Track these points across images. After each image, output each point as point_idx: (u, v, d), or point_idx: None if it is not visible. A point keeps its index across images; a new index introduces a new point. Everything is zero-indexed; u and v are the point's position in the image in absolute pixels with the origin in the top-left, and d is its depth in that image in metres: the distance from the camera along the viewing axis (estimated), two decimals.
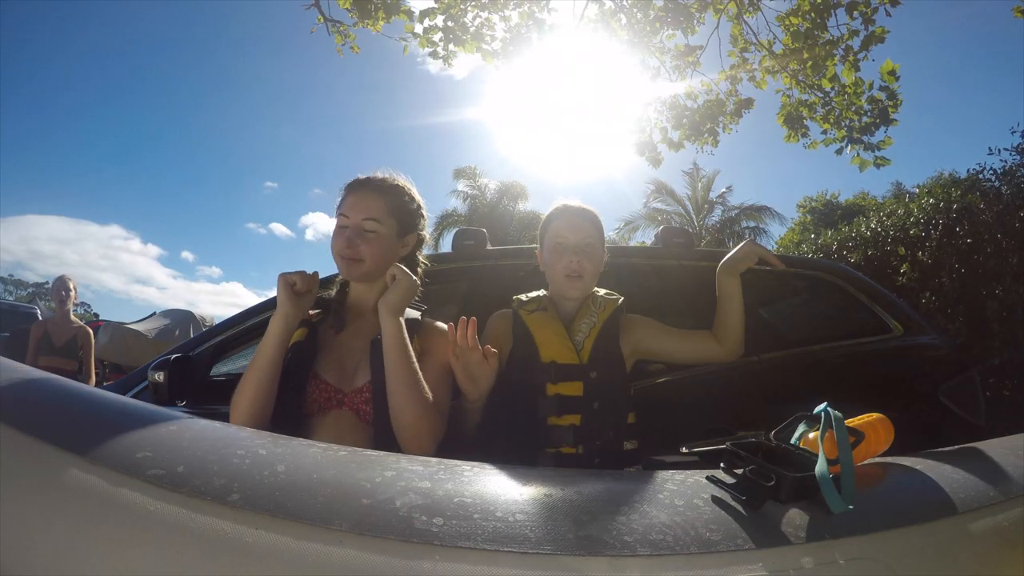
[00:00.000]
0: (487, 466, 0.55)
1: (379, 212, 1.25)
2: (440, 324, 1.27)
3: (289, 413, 1.13)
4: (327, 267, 1.57)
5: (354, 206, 1.25)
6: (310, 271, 1.25)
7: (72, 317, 3.96)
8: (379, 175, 1.30)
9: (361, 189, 1.27)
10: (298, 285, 1.16)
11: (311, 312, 1.28)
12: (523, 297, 1.38)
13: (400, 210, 1.28)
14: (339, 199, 1.31)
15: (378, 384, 1.14)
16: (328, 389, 1.16)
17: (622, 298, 1.38)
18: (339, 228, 1.27)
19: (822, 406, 0.59)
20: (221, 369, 2.24)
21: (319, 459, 0.52)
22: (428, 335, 1.25)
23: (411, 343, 1.17)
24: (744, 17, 4.55)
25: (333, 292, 1.32)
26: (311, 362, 1.20)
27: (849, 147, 4.49)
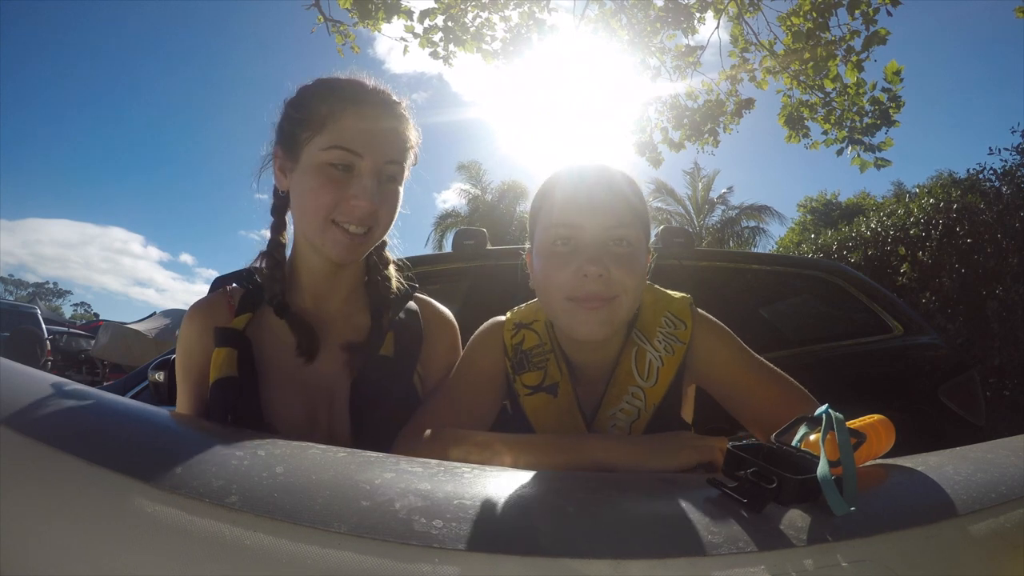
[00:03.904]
0: (488, 468, 0.55)
1: (402, 153, 0.83)
2: (442, 308, 0.96)
3: None
4: None
5: (370, 141, 0.79)
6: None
7: None
8: (387, 91, 0.85)
9: (373, 113, 0.80)
10: None
11: (232, 315, 0.85)
12: (511, 336, 0.86)
13: (411, 145, 0.87)
14: (295, 118, 0.81)
15: (367, 434, 0.80)
16: None
17: (689, 322, 0.83)
18: (330, 170, 0.78)
19: (823, 407, 0.59)
20: None
21: (318, 460, 0.52)
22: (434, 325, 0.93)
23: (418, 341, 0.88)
24: (745, 17, 4.55)
25: (262, 279, 0.87)
26: (256, 407, 0.78)
27: (850, 148, 4.49)
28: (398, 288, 0.93)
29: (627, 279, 0.75)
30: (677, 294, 0.89)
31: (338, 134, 0.78)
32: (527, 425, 0.82)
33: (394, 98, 0.84)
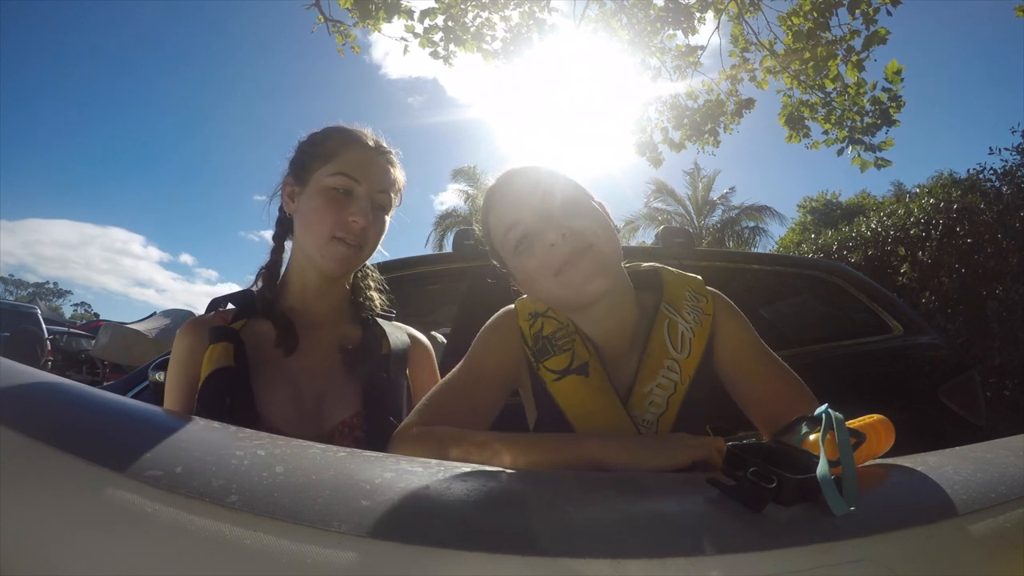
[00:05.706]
0: (488, 469, 0.55)
1: (392, 186, 0.98)
2: (422, 337, 1.08)
3: None
4: None
5: (367, 171, 0.94)
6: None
7: None
8: (381, 140, 1.01)
9: (371, 152, 0.97)
10: None
11: (227, 319, 0.94)
12: (529, 325, 0.84)
13: (398, 186, 1.02)
14: (308, 152, 0.96)
15: (374, 415, 0.90)
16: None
17: (710, 297, 0.86)
18: (333, 193, 0.91)
19: (823, 407, 0.59)
20: None
21: (318, 460, 0.52)
22: (420, 354, 1.05)
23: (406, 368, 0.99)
24: (745, 17, 4.54)
25: (255, 288, 0.99)
26: (248, 399, 0.85)
27: (850, 148, 4.48)
28: (381, 308, 1.07)
29: (591, 224, 0.77)
30: (689, 274, 0.91)
31: (343, 164, 0.93)
32: (557, 412, 0.80)
33: (387, 145, 1.01)
